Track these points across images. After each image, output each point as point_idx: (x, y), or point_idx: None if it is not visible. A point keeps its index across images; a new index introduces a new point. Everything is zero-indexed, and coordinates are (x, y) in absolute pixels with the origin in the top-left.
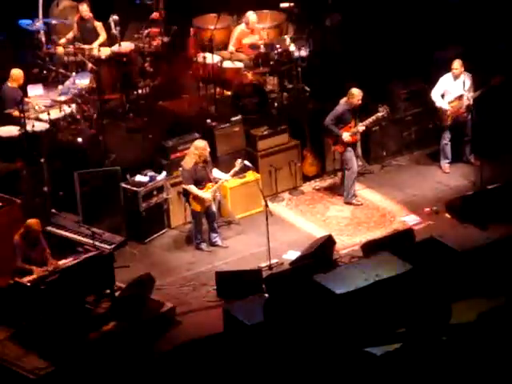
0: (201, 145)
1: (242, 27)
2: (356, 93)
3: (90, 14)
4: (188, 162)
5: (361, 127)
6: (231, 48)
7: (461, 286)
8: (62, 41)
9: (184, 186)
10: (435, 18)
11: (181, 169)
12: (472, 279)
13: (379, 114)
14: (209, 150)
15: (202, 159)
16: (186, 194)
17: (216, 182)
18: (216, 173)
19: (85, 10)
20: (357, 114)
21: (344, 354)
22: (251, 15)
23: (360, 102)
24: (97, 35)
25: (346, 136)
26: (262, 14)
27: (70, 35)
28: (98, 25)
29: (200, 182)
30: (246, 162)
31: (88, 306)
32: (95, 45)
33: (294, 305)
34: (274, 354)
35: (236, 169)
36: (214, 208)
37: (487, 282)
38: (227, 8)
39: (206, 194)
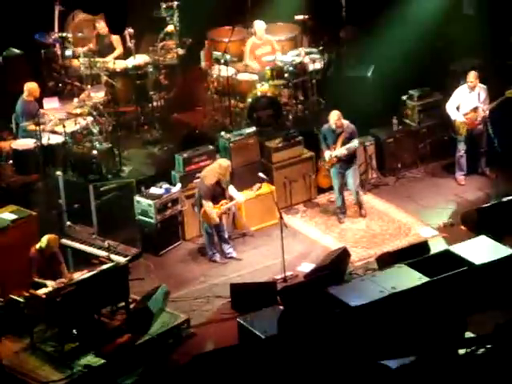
0: (225, 164)
1: (253, 39)
2: (331, 115)
3: (107, 30)
4: (210, 178)
5: (335, 153)
6: (248, 61)
7: (477, 299)
8: (80, 50)
9: (203, 200)
10: (451, 30)
11: (199, 180)
12: (488, 292)
13: (351, 146)
14: (230, 170)
15: (224, 178)
16: (200, 205)
17: (230, 200)
18: (232, 190)
19: (102, 26)
20: (345, 138)
21: (359, 366)
22: (257, 24)
23: (335, 125)
24: (113, 49)
25: (326, 154)
26: (277, 27)
27: (88, 47)
28: (115, 39)
29: (215, 199)
30: (261, 174)
31: (103, 319)
32: (110, 58)
33: (309, 317)
34: (288, 366)
35: (251, 193)
36: (224, 220)
37: (503, 294)
38: (242, 20)
39: (214, 215)
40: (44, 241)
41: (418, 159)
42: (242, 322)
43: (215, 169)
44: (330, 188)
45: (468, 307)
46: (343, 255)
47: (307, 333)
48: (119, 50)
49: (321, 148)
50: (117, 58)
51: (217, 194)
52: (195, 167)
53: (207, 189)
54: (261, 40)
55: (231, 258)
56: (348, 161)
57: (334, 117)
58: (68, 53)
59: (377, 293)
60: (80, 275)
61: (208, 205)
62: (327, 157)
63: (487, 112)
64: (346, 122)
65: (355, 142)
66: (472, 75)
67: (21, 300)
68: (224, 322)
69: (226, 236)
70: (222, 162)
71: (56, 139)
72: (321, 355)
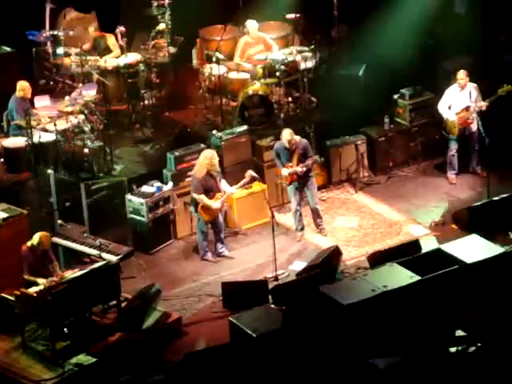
0: (209, 154)
1: (246, 38)
2: (284, 134)
3: (99, 33)
4: (199, 172)
5: (299, 168)
6: (237, 59)
7: (468, 298)
8: (74, 51)
9: (194, 195)
10: (442, 29)
11: (190, 178)
12: (479, 291)
13: (309, 162)
14: (218, 158)
15: (213, 168)
16: (195, 203)
17: (224, 193)
18: (224, 185)
19: (92, 31)
20: (299, 154)
21: (348, 365)
22: (249, 24)
23: (288, 143)
24: (110, 52)
25: (283, 172)
26: (269, 25)
27: (85, 47)
28: (111, 42)
29: (209, 192)
30: (252, 173)
31: (94, 317)
32: (108, 57)
33: (301, 316)
34: (280, 364)
35: (245, 180)
36: (221, 218)
37: (494, 293)
38: (234, 19)
39: (215, 203)
40: (36, 238)
41: (409, 158)
42: (233, 320)
43: (202, 162)
44: (322, 187)
45: (459, 306)
46: (335, 254)
47: (299, 331)
48: (116, 53)
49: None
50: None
51: (209, 187)
52: (187, 165)
53: (198, 182)
54: (254, 39)
55: (223, 256)
56: (305, 176)
57: (287, 136)
58: (59, 51)
59: (369, 291)
60: (71, 273)
61: (201, 197)
62: (285, 174)
63: (483, 108)
64: (297, 138)
65: (317, 157)
66: (461, 74)
67: (12, 298)
68: (215, 321)
69: (223, 236)
70: (206, 153)
71: (47, 137)
72: (311, 353)
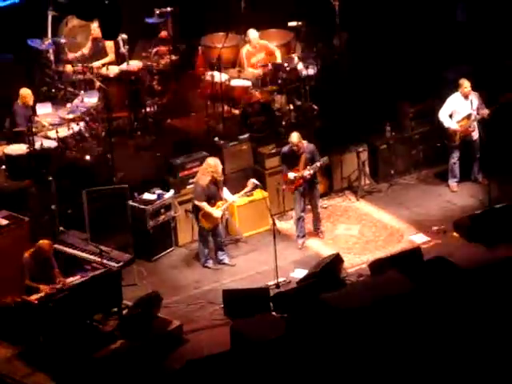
0: (213, 162)
1: (247, 47)
2: (292, 137)
3: (100, 33)
4: (203, 179)
5: (306, 172)
6: (248, 69)
7: (468, 305)
8: (73, 55)
9: (196, 202)
10: (443, 37)
11: (193, 185)
12: (479, 298)
13: (318, 164)
14: (221, 166)
15: (216, 176)
16: (197, 210)
17: (226, 201)
18: (225, 193)
19: (94, 28)
20: (306, 158)
21: (348, 371)
22: (250, 33)
23: (296, 147)
24: (106, 55)
25: (290, 175)
26: (270, 33)
27: (81, 52)
28: (108, 46)
29: (211, 200)
30: (254, 181)
31: (95, 325)
32: (98, 63)
33: (301, 323)
34: (281, 372)
35: (247, 189)
36: (221, 226)
37: (495, 300)
38: (235, 27)
39: (216, 211)
40: (38, 246)
41: (411, 166)
42: (234, 328)
43: (206, 169)
44: (323, 194)
45: (460, 313)
46: (336, 261)
47: (299, 338)
48: (110, 57)
49: (284, 171)
50: (107, 63)
51: (211, 195)
52: (188, 173)
53: (201, 189)
54: (255, 48)
55: (224, 263)
56: (310, 182)
57: (294, 139)
58: (61, 58)
59: (369, 299)
60: (73, 281)
61: (204, 204)
62: (291, 178)
63: (486, 116)
64: (305, 142)
65: (325, 158)
66: (467, 82)
67: (13, 305)
68: (217, 328)
69: (222, 243)
70: (210, 161)
71: (49, 144)
72: (311, 360)
